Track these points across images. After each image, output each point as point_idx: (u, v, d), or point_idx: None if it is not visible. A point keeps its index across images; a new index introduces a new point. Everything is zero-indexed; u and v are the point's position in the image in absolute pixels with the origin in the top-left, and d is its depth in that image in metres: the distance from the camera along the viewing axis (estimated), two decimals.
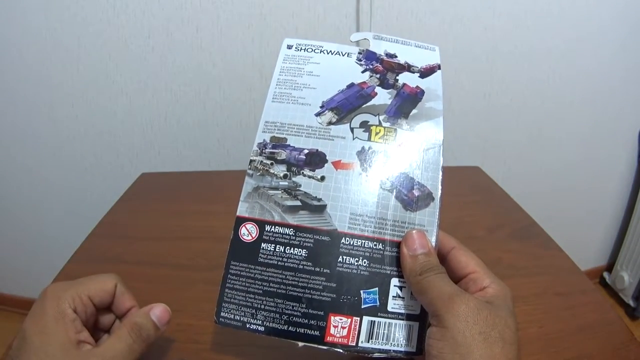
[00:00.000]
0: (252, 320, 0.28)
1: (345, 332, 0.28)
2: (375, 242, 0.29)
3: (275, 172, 0.31)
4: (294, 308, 0.28)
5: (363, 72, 0.35)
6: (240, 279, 0.29)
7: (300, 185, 0.31)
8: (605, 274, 1.36)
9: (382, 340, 0.28)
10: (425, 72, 0.35)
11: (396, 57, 0.36)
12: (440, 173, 0.30)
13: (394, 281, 0.28)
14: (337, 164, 0.31)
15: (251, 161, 0.32)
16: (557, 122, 1.09)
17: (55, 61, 0.86)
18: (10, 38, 0.84)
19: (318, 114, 0.33)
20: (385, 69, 0.35)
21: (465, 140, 1.02)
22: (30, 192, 1.03)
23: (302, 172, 0.31)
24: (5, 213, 1.06)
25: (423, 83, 0.34)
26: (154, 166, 0.96)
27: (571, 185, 1.20)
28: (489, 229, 0.57)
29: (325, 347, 0.28)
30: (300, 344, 0.28)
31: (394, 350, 0.28)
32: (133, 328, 0.29)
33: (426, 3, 0.87)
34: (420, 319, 0.28)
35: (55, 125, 0.93)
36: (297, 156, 0.31)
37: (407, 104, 0.33)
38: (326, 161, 0.31)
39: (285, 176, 0.31)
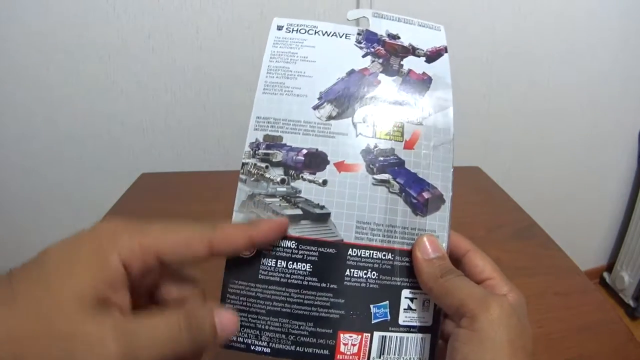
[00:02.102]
0: (256, 342, 0.26)
1: (355, 349, 0.26)
2: (384, 252, 0.27)
3: (272, 177, 0.28)
4: (301, 327, 0.26)
5: (364, 56, 0.31)
6: (241, 298, 0.26)
7: (300, 191, 0.27)
8: (605, 274, 1.36)
9: (394, 355, 0.26)
10: (432, 56, 0.31)
11: (399, 38, 0.32)
12: (451, 172, 0.28)
13: (405, 293, 0.27)
14: (340, 166, 0.28)
15: (243, 164, 0.28)
16: (557, 122, 1.09)
17: (55, 61, 0.86)
18: (10, 38, 0.84)
19: (316, 107, 0.29)
20: (388, 52, 0.31)
21: (465, 140, 1.02)
22: (30, 193, 1.03)
23: (302, 176, 0.28)
24: (5, 214, 1.06)
25: (430, 69, 0.31)
26: (154, 166, 0.96)
27: (571, 185, 1.20)
28: (489, 229, 0.57)
29: None
30: None
31: None
32: (189, 318, 0.21)
33: (426, 4, 0.87)
34: (432, 331, 0.27)
35: (55, 125, 0.93)
36: (294, 157, 0.28)
37: (414, 93, 0.30)
38: (328, 162, 0.28)
39: (283, 181, 0.28)
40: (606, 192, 1.27)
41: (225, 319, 0.23)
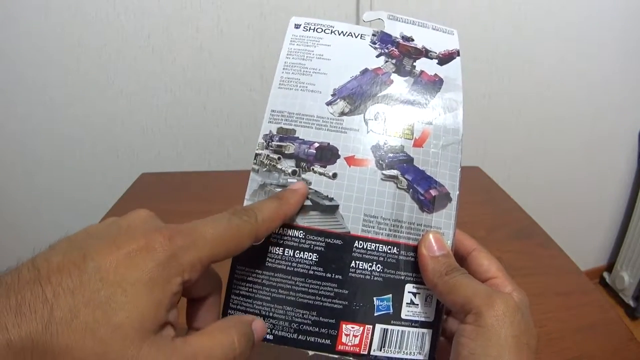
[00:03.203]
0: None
1: (357, 340, 0.27)
2: (389, 246, 0.27)
3: (283, 168, 0.28)
4: (304, 316, 0.27)
5: (378, 56, 0.32)
6: (247, 285, 0.27)
7: (310, 183, 0.28)
8: (605, 274, 1.36)
9: (395, 348, 0.27)
10: (444, 59, 0.32)
11: (413, 40, 0.33)
12: (459, 172, 0.29)
13: (408, 287, 0.27)
14: (350, 160, 0.29)
15: (256, 155, 0.29)
16: (557, 122, 1.09)
17: (55, 61, 0.86)
18: (9, 38, 0.84)
19: (329, 103, 0.30)
20: (401, 53, 0.32)
21: (465, 140, 1.02)
22: (30, 193, 1.03)
23: (313, 169, 0.28)
24: (4, 214, 1.06)
25: (442, 71, 0.32)
26: (154, 166, 0.96)
27: (571, 185, 1.20)
28: (489, 229, 0.57)
29: (336, 356, 0.27)
30: (311, 352, 0.27)
31: (406, 359, 0.27)
32: (240, 338, 0.21)
33: (426, 3, 0.87)
34: (434, 326, 0.27)
35: (55, 125, 0.93)
36: (306, 150, 0.29)
37: (425, 93, 0.31)
38: (338, 156, 0.29)
39: (294, 172, 0.28)
40: (606, 192, 1.27)
41: (259, 328, 0.23)
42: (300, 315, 0.27)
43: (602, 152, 1.18)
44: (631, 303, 1.24)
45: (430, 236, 0.27)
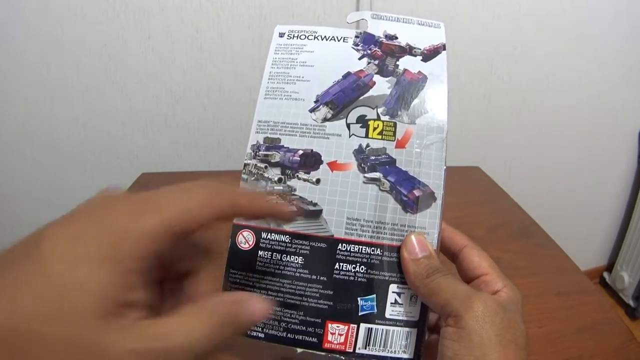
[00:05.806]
0: (252, 327, 0.28)
1: (342, 339, 0.28)
2: (373, 248, 0.28)
3: (270, 176, 0.30)
4: (292, 316, 0.28)
5: (360, 58, 0.32)
6: (240, 287, 0.29)
7: (295, 190, 0.29)
8: (605, 274, 1.36)
9: (380, 347, 0.27)
10: (429, 54, 0.32)
11: (397, 38, 0.32)
12: (444, 170, 0.29)
13: (393, 287, 0.28)
14: (333, 165, 0.29)
15: (245, 165, 0.30)
16: (557, 122, 1.09)
17: (55, 61, 0.86)
18: (9, 38, 0.84)
19: (312, 110, 0.30)
20: (384, 53, 0.32)
21: (465, 140, 1.03)
22: (30, 193, 1.03)
23: (297, 175, 0.29)
24: (5, 214, 1.06)
25: (426, 67, 0.31)
26: (154, 167, 0.96)
27: (571, 185, 1.20)
28: (489, 229, 0.57)
29: (323, 353, 0.28)
30: (299, 350, 0.28)
31: (391, 357, 0.27)
32: (219, 318, 0.18)
33: (426, 4, 0.87)
34: (419, 326, 0.27)
35: (55, 126, 0.93)
36: (291, 158, 0.30)
37: (408, 93, 0.30)
38: (321, 162, 0.29)
39: (279, 180, 0.30)
40: (606, 192, 1.27)
41: (256, 310, 0.19)
42: (289, 315, 0.28)
43: (602, 152, 1.18)
44: (631, 303, 1.24)
45: (412, 238, 0.27)
